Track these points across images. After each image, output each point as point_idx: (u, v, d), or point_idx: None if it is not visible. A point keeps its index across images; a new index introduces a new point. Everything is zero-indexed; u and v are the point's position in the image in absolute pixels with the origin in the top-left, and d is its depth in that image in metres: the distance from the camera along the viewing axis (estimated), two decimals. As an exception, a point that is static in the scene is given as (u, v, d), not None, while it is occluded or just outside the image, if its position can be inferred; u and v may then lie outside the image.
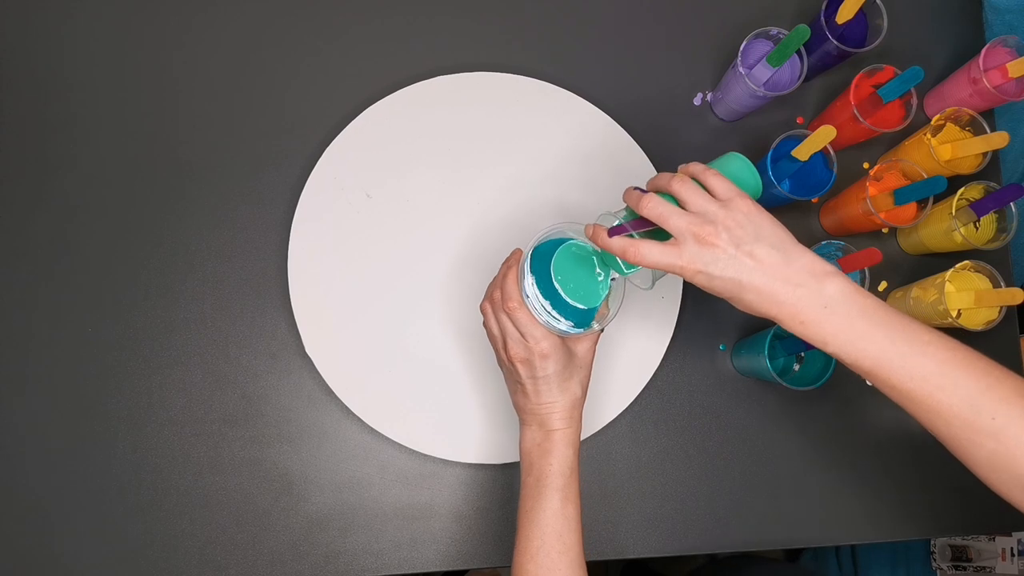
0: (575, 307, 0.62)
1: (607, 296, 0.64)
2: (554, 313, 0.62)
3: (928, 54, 0.86)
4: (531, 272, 0.62)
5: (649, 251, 0.55)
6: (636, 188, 0.59)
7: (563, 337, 0.62)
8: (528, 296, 0.61)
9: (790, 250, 0.54)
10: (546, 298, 0.62)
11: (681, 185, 0.57)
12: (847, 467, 0.79)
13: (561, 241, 0.64)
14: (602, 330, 0.65)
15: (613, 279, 0.64)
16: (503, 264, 0.65)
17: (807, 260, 0.54)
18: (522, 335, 0.61)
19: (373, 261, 0.77)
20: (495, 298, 0.63)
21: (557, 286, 0.62)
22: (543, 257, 0.63)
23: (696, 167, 0.59)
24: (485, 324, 0.66)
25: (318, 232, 0.77)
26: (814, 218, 0.83)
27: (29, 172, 0.77)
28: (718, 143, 0.83)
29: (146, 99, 0.79)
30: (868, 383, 0.77)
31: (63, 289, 0.75)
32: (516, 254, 0.64)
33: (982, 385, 0.51)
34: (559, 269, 0.63)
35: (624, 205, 0.62)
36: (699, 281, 0.55)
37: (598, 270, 0.64)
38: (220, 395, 0.75)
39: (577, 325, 0.62)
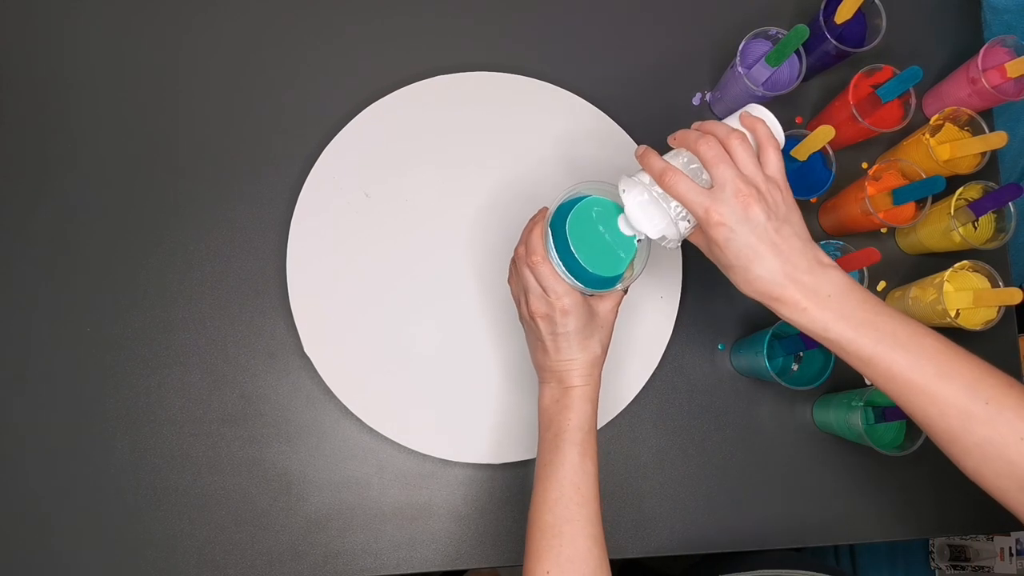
0: (595, 275, 0.61)
1: (632, 259, 0.62)
2: (570, 277, 0.60)
3: (927, 54, 0.86)
4: (552, 234, 0.61)
5: (685, 185, 0.55)
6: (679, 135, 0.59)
7: (585, 294, 0.61)
8: (552, 254, 0.60)
9: (808, 241, 0.56)
10: (563, 261, 0.60)
11: (740, 143, 0.57)
12: (846, 467, 0.79)
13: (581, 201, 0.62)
14: (625, 291, 0.64)
15: (639, 241, 0.62)
16: (530, 220, 0.64)
17: (819, 253, 0.56)
18: (544, 290, 0.60)
19: (372, 260, 0.77)
20: (519, 253, 0.63)
21: (575, 252, 0.60)
22: (566, 219, 0.61)
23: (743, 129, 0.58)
24: (509, 280, 0.66)
25: (317, 232, 0.77)
26: (813, 218, 0.83)
27: (28, 172, 0.77)
28: (717, 143, 0.83)
29: (145, 99, 0.79)
30: (867, 382, 0.77)
31: (62, 289, 0.75)
32: (544, 211, 0.63)
33: (976, 373, 0.52)
34: (575, 234, 0.61)
35: (638, 169, 0.60)
36: (718, 235, 0.55)
37: (624, 232, 0.61)
38: (219, 395, 0.75)
39: (597, 288, 0.61)
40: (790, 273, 0.54)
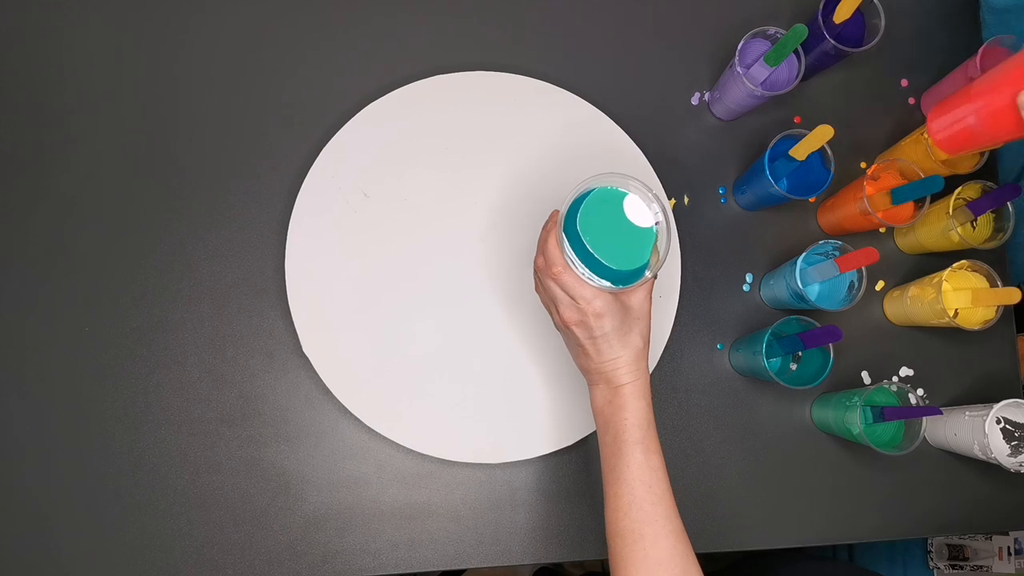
0: (619, 271, 0.59)
1: (655, 243, 0.60)
2: (595, 278, 0.58)
3: (925, 53, 0.86)
4: (566, 236, 0.59)
5: None
6: None
7: (615, 291, 0.60)
8: (570, 259, 0.59)
9: None
10: (585, 263, 0.59)
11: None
12: (844, 466, 0.79)
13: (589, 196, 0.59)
14: (655, 277, 0.61)
15: (657, 224, 0.60)
16: (544, 227, 0.63)
17: None
18: (572, 298, 0.59)
19: (371, 260, 0.77)
20: (539, 265, 0.61)
21: (593, 253, 0.59)
22: (578, 216, 0.60)
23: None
24: (536, 289, 0.65)
25: (315, 231, 0.77)
26: (811, 217, 0.83)
27: (26, 171, 0.77)
28: (716, 142, 0.83)
29: (143, 98, 0.79)
30: (866, 381, 0.77)
31: (60, 288, 0.75)
32: (555, 215, 0.61)
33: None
34: (590, 233, 0.59)
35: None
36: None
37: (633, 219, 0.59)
38: (217, 394, 0.75)
39: (626, 283, 0.59)
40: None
